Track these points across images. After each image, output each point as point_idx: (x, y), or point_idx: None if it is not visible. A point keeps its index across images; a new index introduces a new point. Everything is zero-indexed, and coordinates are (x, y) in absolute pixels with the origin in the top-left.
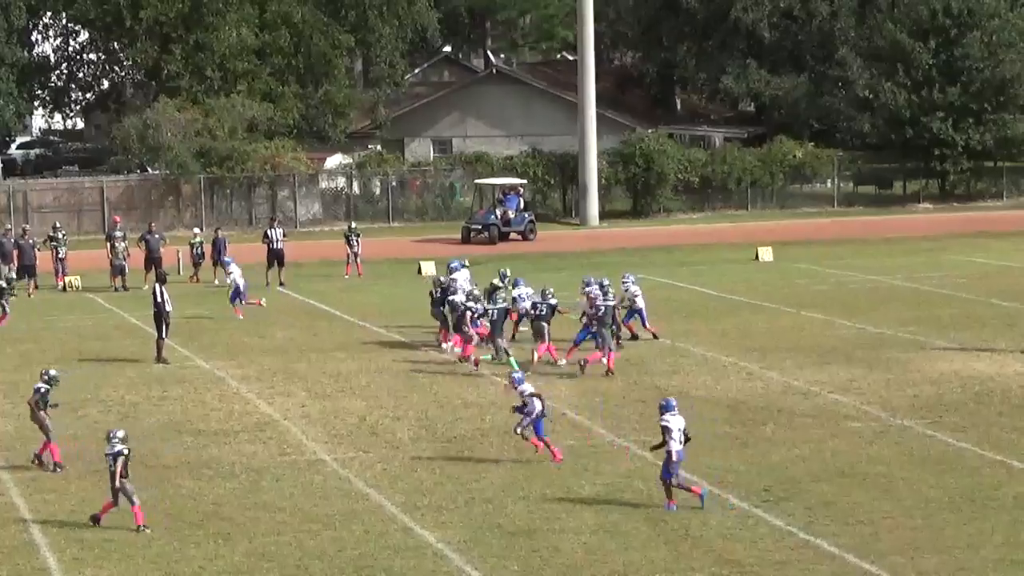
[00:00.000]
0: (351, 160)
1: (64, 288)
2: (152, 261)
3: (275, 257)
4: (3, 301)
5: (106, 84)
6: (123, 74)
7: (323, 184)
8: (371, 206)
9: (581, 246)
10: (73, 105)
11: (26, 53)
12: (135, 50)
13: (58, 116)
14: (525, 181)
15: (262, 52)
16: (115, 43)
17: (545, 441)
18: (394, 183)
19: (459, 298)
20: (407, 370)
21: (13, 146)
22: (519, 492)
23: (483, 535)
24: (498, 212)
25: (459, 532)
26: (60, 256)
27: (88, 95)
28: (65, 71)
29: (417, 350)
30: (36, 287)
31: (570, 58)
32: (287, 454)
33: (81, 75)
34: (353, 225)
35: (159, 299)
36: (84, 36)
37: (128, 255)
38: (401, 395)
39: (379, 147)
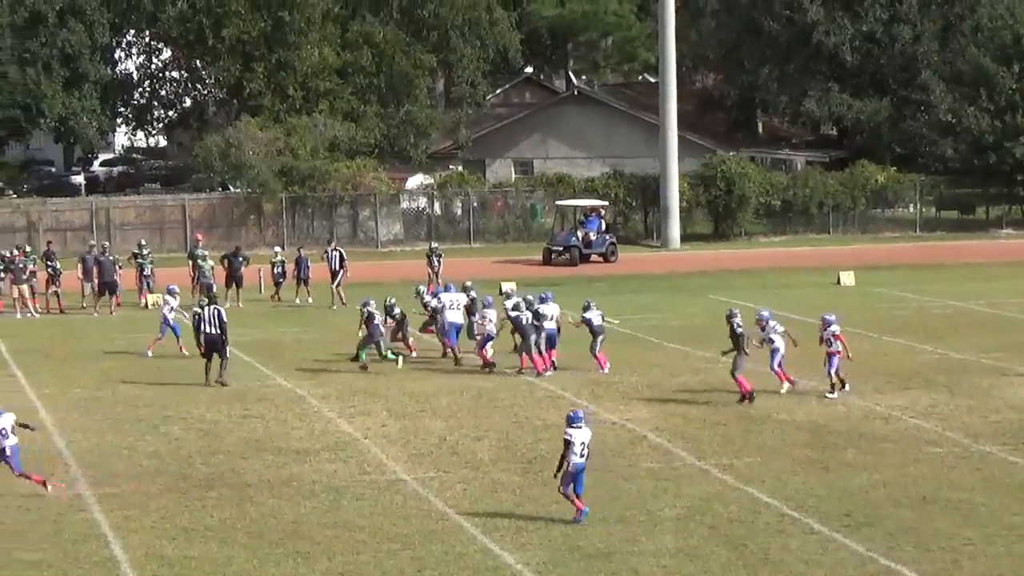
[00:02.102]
0: (432, 180)
1: (146, 306)
2: (234, 280)
3: (331, 276)
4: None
5: (188, 102)
6: (205, 92)
7: (404, 204)
8: (452, 226)
9: (662, 268)
10: (155, 123)
11: (109, 71)
12: (217, 68)
13: (140, 134)
14: (606, 203)
15: (344, 71)
16: (197, 61)
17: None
18: (475, 204)
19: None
20: (488, 390)
21: (96, 163)
22: (599, 514)
23: (562, 557)
24: (579, 234)
25: (538, 554)
26: (146, 273)
27: (170, 113)
28: (148, 89)
29: (494, 373)
30: (119, 304)
31: (651, 80)
32: (367, 473)
33: (164, 93)
34: (435, 245)
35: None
36: (167, 54)
37: (213, 273)
38: (482, 415)
39: (460, 167)
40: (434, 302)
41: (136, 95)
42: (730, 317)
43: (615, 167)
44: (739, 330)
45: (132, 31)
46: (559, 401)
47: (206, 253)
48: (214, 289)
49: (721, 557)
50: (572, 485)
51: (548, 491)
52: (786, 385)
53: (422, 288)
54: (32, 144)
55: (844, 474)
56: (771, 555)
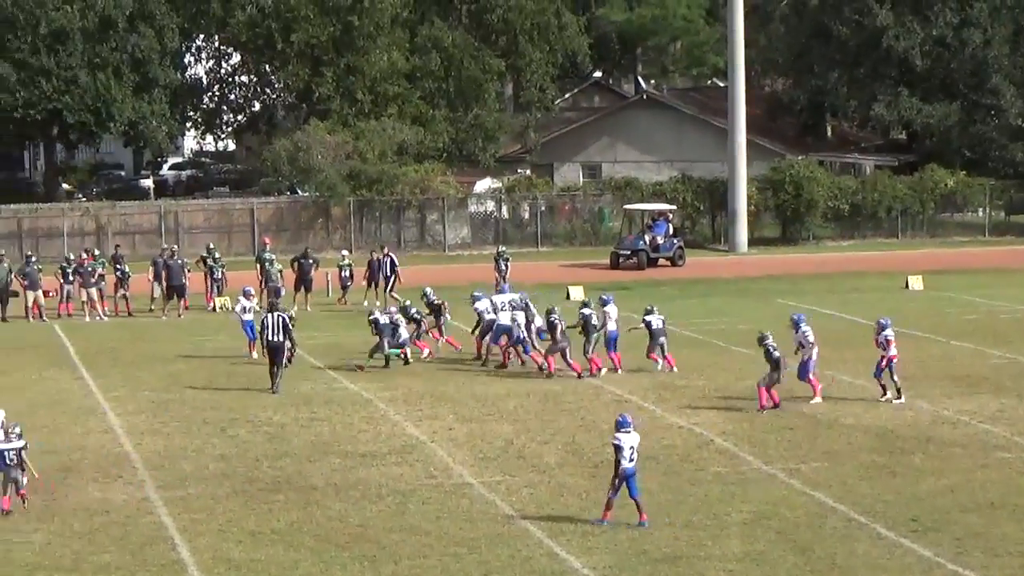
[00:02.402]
0: (500, 184)
1: (214, 309)
2: (303, 283)
3: (384, 282)
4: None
5: (257, 106)
6: (274, 96)
7: (472, 208)
8: (520, 230)
9: (730, 272)
10: (224, 127)
11: (179, 75)
12: (286, 73)
13: (209, 138)
14: (674, 207)
15: (413, 76)
16: (266, 66)
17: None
18: (543, 208)
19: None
20: (555, 394)
21: (165, 167)
22: (665, 518)
23: (629, 561)
24: (647, 238)
25: (605, 558)
26: (216, 277)
27: (239, 117)
28: (217, 93)
29: (561, 375)
30: (187, 307)
31: (720, 84)
32: (433, 477)
33: (232, 97)
34: (502, 249)
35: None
36: (236, 59)
37: (282, 276)
38: (548, 419)
39: (529, 171)
40: (479, 305)
41: (205, 99)
42: (762, 340)
43: (683, 171)
44: (775, 354)
45: (201, 36)
46: (626, 405)
47: (274, 257)
48: (282, 293)
49: (788, 562)
50: (619, 491)
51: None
52: (818, 399)
53: (428, 289)
54: (102, 148)
55: (911, 479)
56: (838, 560)
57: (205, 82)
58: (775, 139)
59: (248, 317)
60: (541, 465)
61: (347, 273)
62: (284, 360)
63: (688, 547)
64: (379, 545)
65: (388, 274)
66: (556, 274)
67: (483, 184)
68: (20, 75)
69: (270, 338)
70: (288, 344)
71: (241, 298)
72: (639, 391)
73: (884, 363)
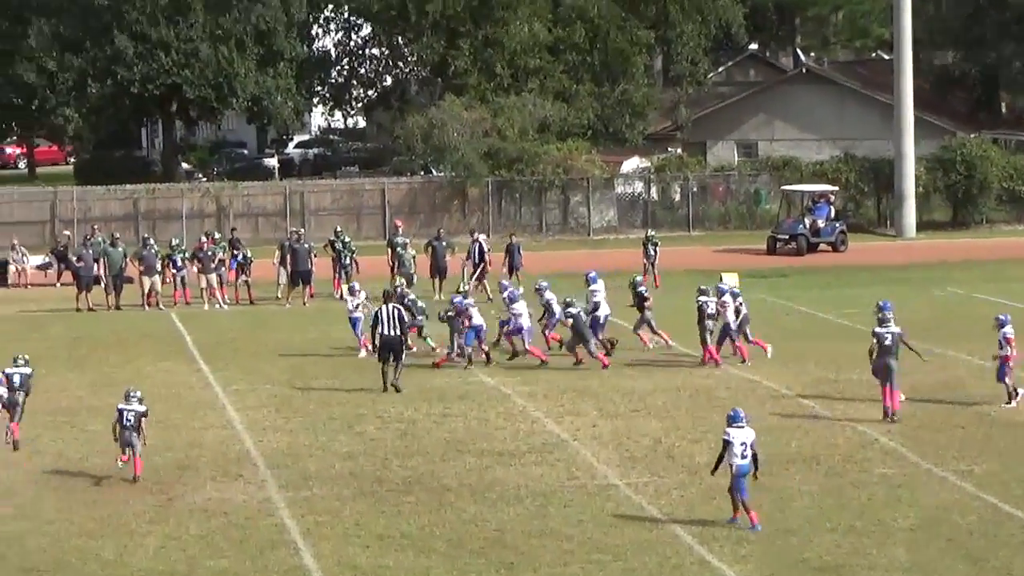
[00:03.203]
0: (649, 164)
1: (341, 296)
2: (438, 270)
3: (473, 268)
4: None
5: (389, 81)
6: (407, 70)
7: (619, 189)
8: (670, 213)
9: (896, 259)
10: (354, 102)
11: (305, 48)
12: (420, 45)
13: (338, 114)
14: (836, 188)
15: (555, 48)
16: (399, 38)
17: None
18: (695, 189)
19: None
20: (706, 389)
21: (291, 145)
22: (826, 524)
23: (786, 570)
24: (807, 221)
25: (760, 566)
26: (345, 263)
27: (370, 92)
28: (346, 67)
29: (715, 369)
30: (312, 295)
31: (885, 57)
32: (576, 478)
33: (363, 71)
34: (651, 233)
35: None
36: (367, 30)
37: (415, 262)
38: (700, 416)
39: (679, 150)
40: (505, 294)
41: (334, 73)
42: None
43: (846, 150)
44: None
45: (330, 6)
46: (782, 400)
47: (407, 241)
48: (415, 280)
49: (959, 572)
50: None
51: (771, 498)
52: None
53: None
54: (223, 125)
55: None
56: (1014, 571)
57: (334, 55)
58: (944, 115)
59: (358, 314)
60: (692, 465)
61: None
62: (403, 354)
63: (850, 555)
64: (517, 551)
65: (477, 261)
66: (708, 260)
67: (630, 164)
68: (138, 48)
69: (384, 332)
70: (403, 339)
71: (348, 296)
72: (798, 385)
73: (1006, 363)
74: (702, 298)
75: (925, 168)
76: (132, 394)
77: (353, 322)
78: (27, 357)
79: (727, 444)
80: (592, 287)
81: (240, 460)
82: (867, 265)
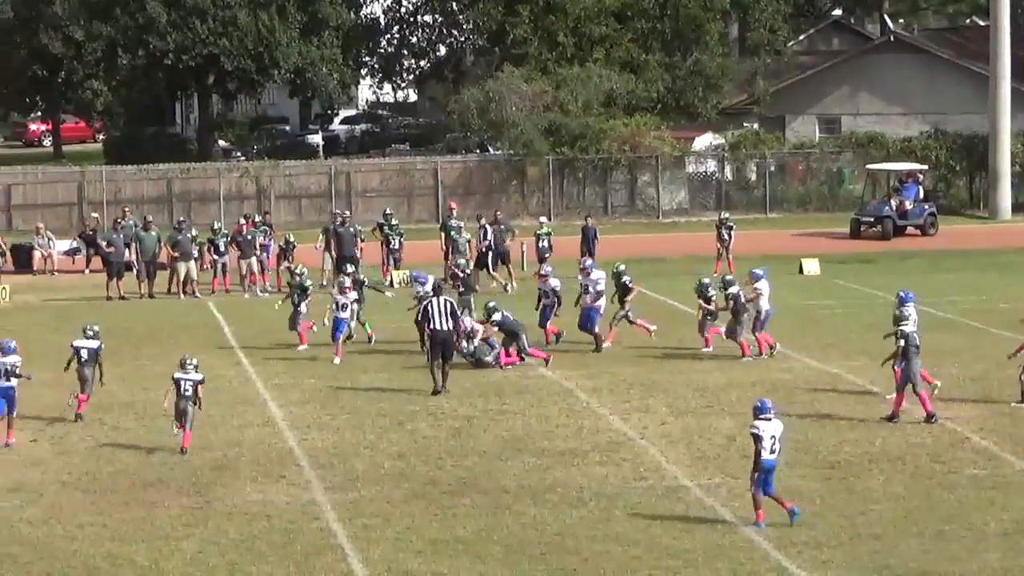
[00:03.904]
0: (723, 140)
1: (391, 283)
2: (499, 255)
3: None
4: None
5: (443, 50)
6: (462, 39)
7: (690, 168)
8: (745, 194)
9: (989, 243)
10: (405, 74)
11: (352, 15)
12: (477, 11)
13: (387, 87)
14: (925, 167)
15: (623, 15)
16: (454, 3)
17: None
18: (772, 167)
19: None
20: (784, 385)
21: (336, 121)
22: (912, 528)
23: None
24: (893, 202)
25: (841, 573)
26: (393, 247)
27: (422, 63)
28: (396, 35)
29: (794, 362)
30: None
31: (981, 23)
32: (643, 478)
33: (414, 40)
34: (725, 215)
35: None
36: None
37: (470, 247)
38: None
39: (756, 125)
40: (553, 282)
41: (383, 43)
42: (897, 321)
43: (936, 125)
44: (901, 342)
45: None
46: (866, 397)
47: (461, 224)
48: (470, 266)
49: None
50: (766, 486)
51: (853, 500)
52: None
53: (622, 266)
54: (264, 99)
55: None
56: None
57: (383, 22)
58: None
59: (343, 315)
60: None
61: (545, 243)
62: (451, 353)
63: (938, 562)
64: (580, 556)
65: (485, 249)
66: (787, 244)
67: (703, 140)
68: (171, 15)
69: (436, 327)
70: (456, 335)
71: (335, 293)
72: (882, 380)
73: None
74: (733, 289)
75: (1023, 145)
76: (188, 362)
77: (336, 324)
78: (96, 328)
79: (757, 438)
80: (592, 275)
81: (283, 460)
82: (958, 250)
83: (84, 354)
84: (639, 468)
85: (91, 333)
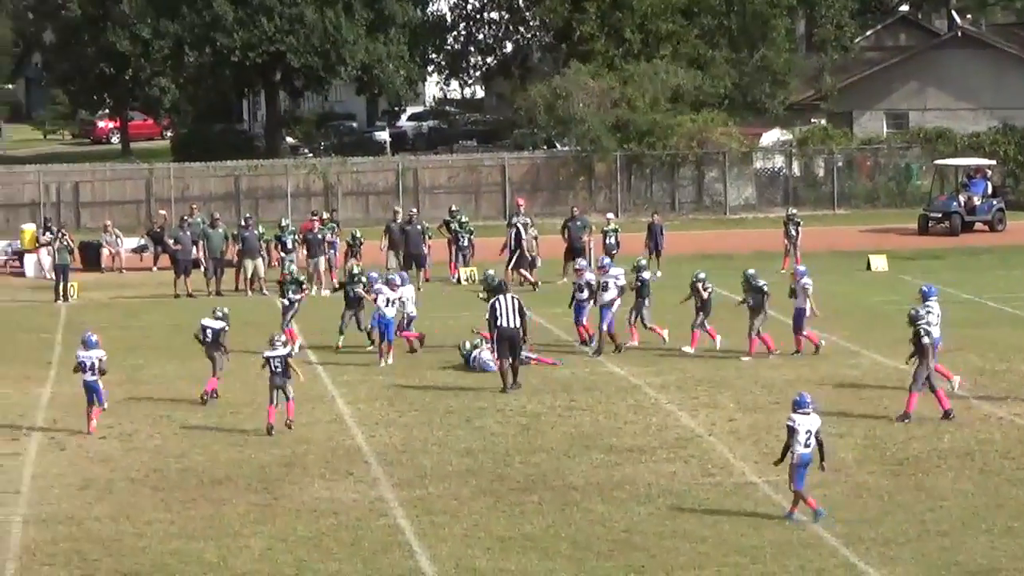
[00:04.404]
0: (791, 136)
1: (458, 280)
2: (573, 251)
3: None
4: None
5: (509, 47)
6: (529, 36)
7: (758, 164)
8: (813, 190)
9: None
10: (471, 71)
11: (419, 12)
12: (543, 8)
13: (454, 83)
14: (994, 162)
15: (689, 11)
16: (520, 1)
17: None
18: (840, 163)
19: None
20: (852, 380)
21: (403, 117)
22: (981, 525)
23: (937, 574)
24: (961, 198)
25: (910, 570)
26: (462, 245)
27: (489, 60)
28: (463, 32)
29: (862, 359)
30: (427, 279)
31: None
32: (711, 475)
33: (481, 37)
34: (793, 211)
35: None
36: None
37: (537, 243)
38: (845, 408)
39: (823, 121)
40: (589, 275)
41: (449, 39)
42: (914, 320)
43: (1004, 120)
44: (924, 340)
45: None
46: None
47: (528, 221)
48: (538, 263)
49: None
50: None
51: (921, 497)
52: None
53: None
54: (331, 96)
55: None
56: None
57: (449, 19)
58: None
59: (391, 313)
60: (836, 462)
61: (612, 240)
62: (520, 352)
63: (1008, 559)
64: (648, 553)
65: (513, 247)
66: (855, 240)
67: (770, 136)
68: (238, 13)
69: (505, 324)
70: (523, 333)
71: (383, 287)
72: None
73: None
74: (762, 282)
75: None
76: (276, 339)
77: (385, 324)
78: (226, 311)
79: (792, 431)
80: (610, 272)
81: (351, 456)
82: None
83: (208, 334)
84: (707, 465)
85: (219, 314)
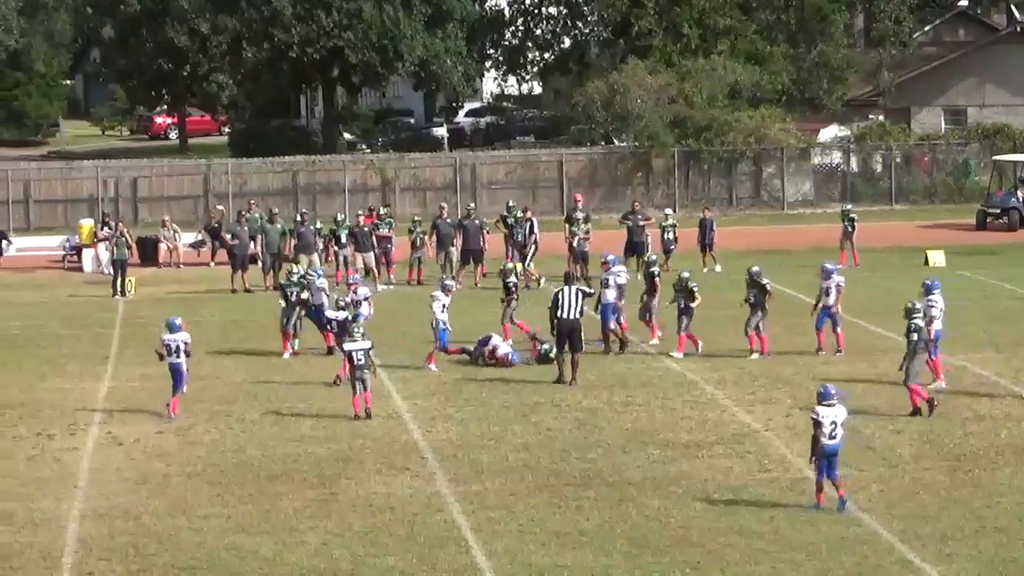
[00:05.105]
0: (849, 132)
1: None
2: (634, 246)
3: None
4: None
5: (567, 42)
6: (587, 31)
7: (815, 160)
8: (871, 185)
9: None
10: (529, 66)
11: (477, 7)
12: (601, 4)
13: (512, 79)
14: None
15: (747, 7)
16: None
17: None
18: (898, 159)
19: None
20: None
21: (461, 113)
22: None
23: (995, 570)
24: (1020, 194)
25: (967, 566)
26: (518, 240)
27: (546, 55)
28: (521, 27)
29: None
30: (484, 274)
31: None
32: (768, 471)
33: (539, 32)
34: (849, 207)
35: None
36: None
37: (589, 239)
38: (902, 405)
39: (881, 117)
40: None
41: (507, 35)
42: (909, 314)
43: None
44: (913, 336)
45: None
46: (993, 388)
47: (584, 216)
48: (588, 258)
49: None
50: (824, 471)
51: (979, 493)
52: None
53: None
54: (388, 92)
55: None
56: None
57: (507, 15)
58: None
59: (443, 316)
60: (893, 458)
61: (671, 235)
62: (580, 343)
63: None
64: (704, 550)
65: (524, 242)
66: (913, 236)
67: (828, 132)
68: (296, 8)
69: (565, 315)
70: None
71: (438, 293)
72: (1010, 372)
73: None
74: (765, 280)
75: None
76: (357, 330)
77: (441, 328)
78: (348, 299)
79: (817, 423)
80: (613, 268)
81: (407, 452)
82: None
83: (334, 325)
84: (763, 460)
85: (341, 305)
